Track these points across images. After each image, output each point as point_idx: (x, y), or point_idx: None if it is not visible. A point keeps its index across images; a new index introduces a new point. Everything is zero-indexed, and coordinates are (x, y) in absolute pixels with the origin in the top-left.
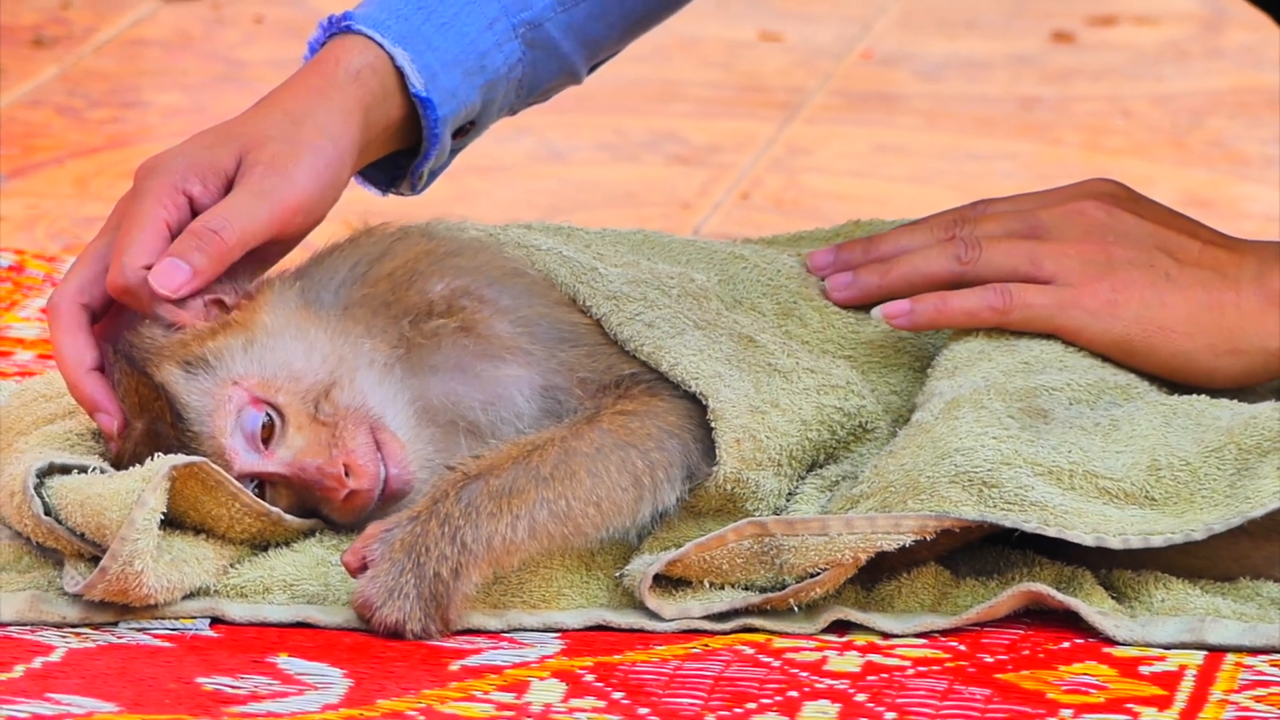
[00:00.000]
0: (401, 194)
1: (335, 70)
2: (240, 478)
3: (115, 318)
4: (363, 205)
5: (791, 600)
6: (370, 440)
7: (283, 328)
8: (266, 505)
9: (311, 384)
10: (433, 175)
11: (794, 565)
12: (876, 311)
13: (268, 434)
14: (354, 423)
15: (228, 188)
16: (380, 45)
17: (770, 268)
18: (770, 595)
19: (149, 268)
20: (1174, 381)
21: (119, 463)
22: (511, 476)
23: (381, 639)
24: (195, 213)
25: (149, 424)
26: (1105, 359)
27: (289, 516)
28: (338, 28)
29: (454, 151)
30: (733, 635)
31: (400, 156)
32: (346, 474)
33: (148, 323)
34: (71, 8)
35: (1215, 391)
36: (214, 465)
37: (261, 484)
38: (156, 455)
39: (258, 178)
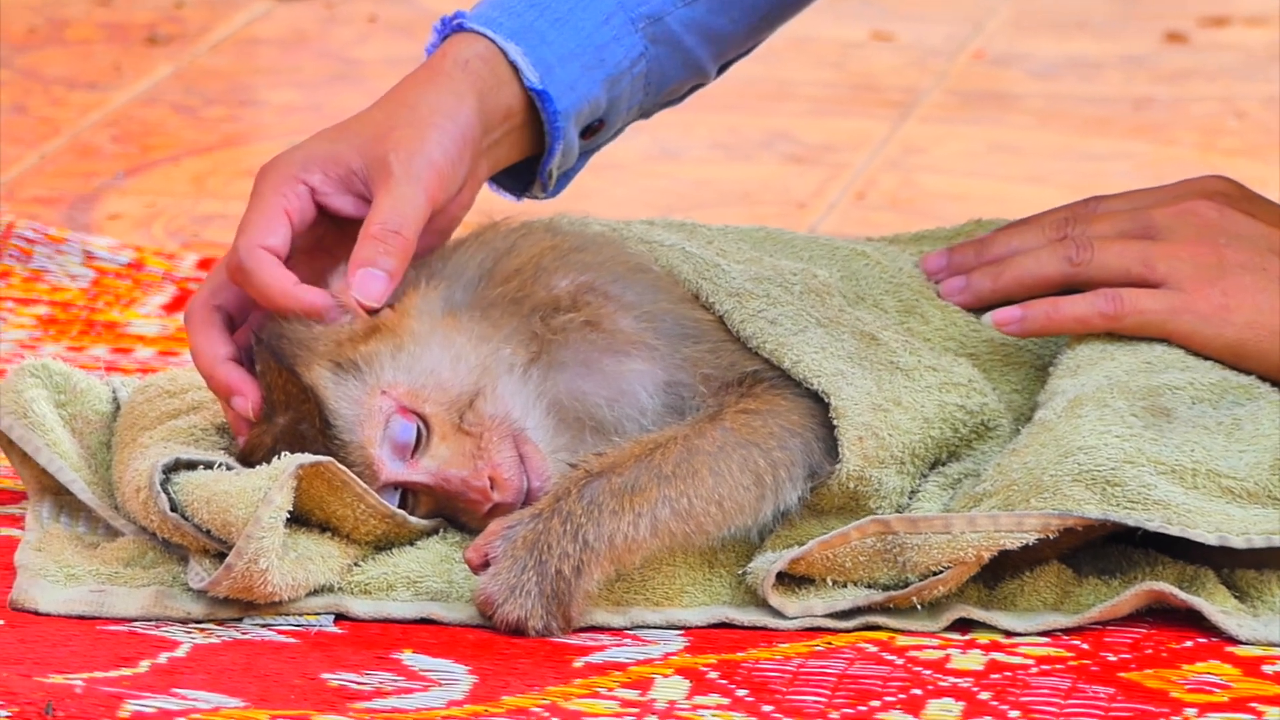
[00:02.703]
0: (535, 197)
1: (443, 62)
2: (385, 486)
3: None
4: (484, 203)
5: (914, 598)
6: (514, 453)
7: (429, 334)
8: (392, 507)
9: (458, 394)
10: (565, 178)
11: (917, 563)
12: (987, 318)
13: (414, 444)
14: (498, 435)
15: (348, 179)
16: (492, 40)
17: (892, 265)
18: (893, 593)
19: (266, 248)
20: None
21: (250, 454)
22: (634, 474)
23: (504, 635)
24: (317, 203)
25: (292, 422)
26: None
27: (413, 518)
28: (450, 28)
29: (585, 154)
30: (855, 633)
31: (532, 164)
32: (491, 486)
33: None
34: (185, 6)
35: None
36: (339, 465)
37: (404, 490)
38: (285, 453)
39: (402, 163)
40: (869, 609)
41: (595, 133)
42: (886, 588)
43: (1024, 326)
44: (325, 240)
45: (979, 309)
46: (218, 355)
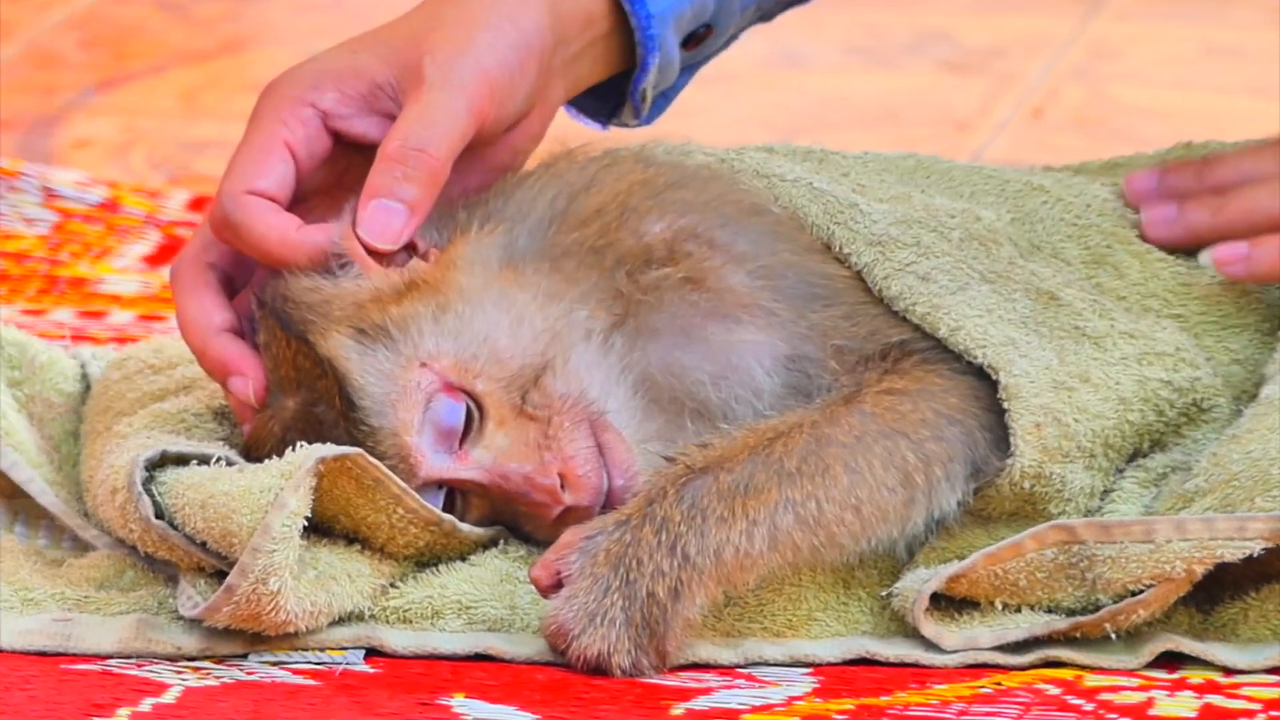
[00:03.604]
0: (625, 125)
1: None
2: (426, 485)
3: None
4: (559, 130)
5: (1108, 626)
6: (591, 442)
7: (482, 291)
8: (437, 512)
9: (520, 368)
10: (663, 99)
11: (1110, 580)
12: (1205, 256)
13: (463, 430)
14: (571, 419)
15: (373, 95)
16: None
17: (1078, 202)
18: (1080, 619)
19: (256, 193)
20: None
21: (254, 450)
22: (748, 471)
23: (582, 675)
24: (330, 129)
25: (305, 404)
26: None
27: (464, 526)
28: None
29: (688, 69)
30: (1032, 671)
31: (621, 82)
32: (561, 485)
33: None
34: None
35: None
36: (370, 459)
37: (451, 490)
38: (300, 444)
39: (439, 67)
40: (1049, 640)
41: (701, 41)
42: (1071, 612)
43: (1250, 268)
44: (349, 177)
45: (1190, 248)
46: (211, 325)
